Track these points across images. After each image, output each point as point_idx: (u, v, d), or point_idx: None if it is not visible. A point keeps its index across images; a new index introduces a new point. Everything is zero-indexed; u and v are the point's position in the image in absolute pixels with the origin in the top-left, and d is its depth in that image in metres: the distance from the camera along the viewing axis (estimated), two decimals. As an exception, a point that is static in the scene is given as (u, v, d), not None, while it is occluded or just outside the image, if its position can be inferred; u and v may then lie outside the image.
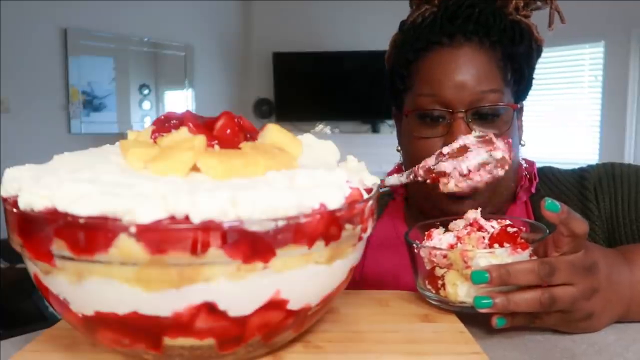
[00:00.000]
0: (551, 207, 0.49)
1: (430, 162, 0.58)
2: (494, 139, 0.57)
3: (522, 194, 0.79)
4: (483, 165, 0.55)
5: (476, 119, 0.71)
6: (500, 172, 0.57)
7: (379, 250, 0.81)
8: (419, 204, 0.83)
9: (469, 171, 0.55)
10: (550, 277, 0.49)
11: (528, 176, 0.79)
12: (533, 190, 0.79)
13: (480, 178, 0.56)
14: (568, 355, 0.49)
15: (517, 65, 0.74)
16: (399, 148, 0.83)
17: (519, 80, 0.75)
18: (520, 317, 0.51)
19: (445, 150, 0.59)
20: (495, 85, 0.71)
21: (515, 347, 0.51)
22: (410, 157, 0.76)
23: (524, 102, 0.81)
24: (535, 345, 0.51)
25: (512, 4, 0.74)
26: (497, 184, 0.69)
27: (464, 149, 0.56)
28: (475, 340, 0.47)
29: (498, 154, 0.54)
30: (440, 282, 0.53)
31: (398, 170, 0.83)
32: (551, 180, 0.79)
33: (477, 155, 0.55)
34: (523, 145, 0.80)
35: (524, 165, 0.80)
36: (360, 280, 0.81)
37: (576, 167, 0.80)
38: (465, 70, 0.71)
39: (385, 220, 0.86)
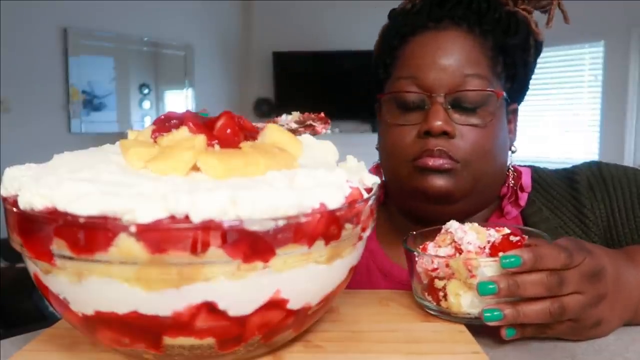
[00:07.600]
0: (509, 265, 0.47)
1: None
2: (313, 123, 0.53)
3: (511, 207, 0.72)
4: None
5: (457, 106, 0.65)
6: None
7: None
8: (399, 203, 0.76)
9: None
10: (560, 288, 0.47)
11: (515, 188, 0.72)
12: (523, 203, 0.72)
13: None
14: (568, 355, 0.49)
15: (509, 59, 0.68)
16: (378, 145, 0.76)
17: (512, 76, 0.69)
18: (531, 328, 0.49)
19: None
20: (481, 71, 0.65)
21: (515, 346, 0.51)
22: (385, 148, 0.70)
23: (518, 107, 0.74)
24: (535, 344, 0.51)
25: None
26: (478, 177, 0.66)
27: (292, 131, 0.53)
28: (475, 339, 0.47)
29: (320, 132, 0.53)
30: (441, 293, 0.51)
31: (376, 170, 0.77)
32: (540, 185, 0.73)
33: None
34: (514, 152, 0.73)
35: (513, 173, 0.73)
36: None
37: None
38: (449, 53, 0.65)
39: None
